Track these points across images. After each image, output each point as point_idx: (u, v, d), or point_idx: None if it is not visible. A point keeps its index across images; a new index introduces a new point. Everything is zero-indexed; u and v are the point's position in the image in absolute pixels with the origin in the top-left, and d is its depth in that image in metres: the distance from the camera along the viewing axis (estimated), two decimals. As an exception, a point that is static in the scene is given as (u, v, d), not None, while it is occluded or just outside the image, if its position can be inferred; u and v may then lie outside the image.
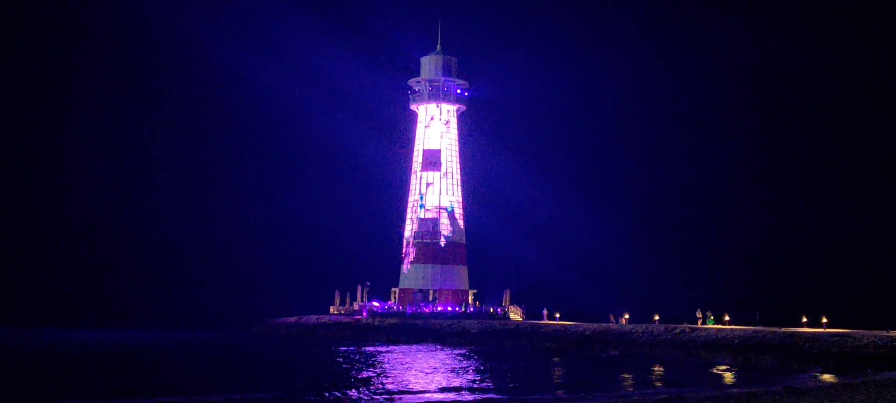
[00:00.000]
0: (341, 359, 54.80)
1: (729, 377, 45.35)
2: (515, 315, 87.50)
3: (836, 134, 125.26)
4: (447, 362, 53.29)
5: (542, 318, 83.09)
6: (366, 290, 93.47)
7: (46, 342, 70.73)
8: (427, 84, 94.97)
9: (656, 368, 50.77)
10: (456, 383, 39.84)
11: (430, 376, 43.25)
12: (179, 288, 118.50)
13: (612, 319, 74.99)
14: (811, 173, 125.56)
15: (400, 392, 34.91)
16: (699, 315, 68.95)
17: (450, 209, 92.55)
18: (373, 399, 32.39)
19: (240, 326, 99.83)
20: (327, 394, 33.65)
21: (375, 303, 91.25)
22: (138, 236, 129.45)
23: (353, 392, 34.32)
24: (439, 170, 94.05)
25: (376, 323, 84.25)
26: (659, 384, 41.25)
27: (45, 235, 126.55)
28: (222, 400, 31.32)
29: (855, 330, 52.80)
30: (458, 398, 34.37)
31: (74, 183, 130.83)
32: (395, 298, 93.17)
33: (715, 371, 48.98)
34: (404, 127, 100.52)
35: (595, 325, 69.64)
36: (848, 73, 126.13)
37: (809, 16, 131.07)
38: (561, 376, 46.32)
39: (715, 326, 63.34)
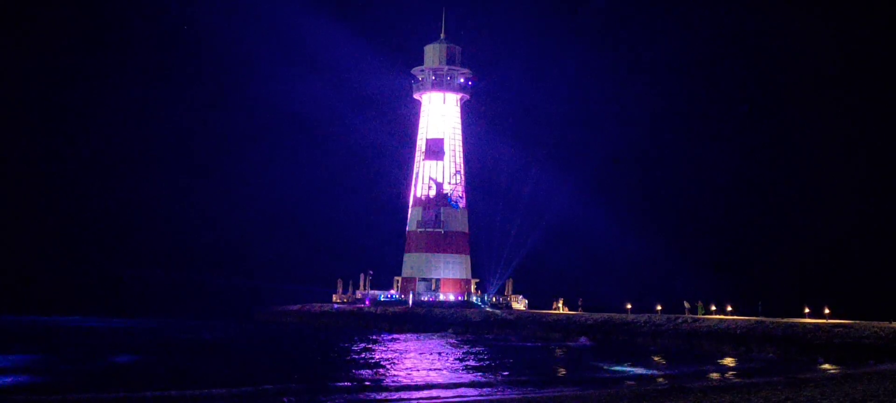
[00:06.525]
0: (345, 349, 54.88)
1: (730, 367, 45.33)
2: (518, 304, 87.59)
3: (840, 124, 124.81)
4: (449, 352, 53.33)
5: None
6: (369, 279, 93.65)
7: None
8: (431, 72, 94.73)
9: (658, 358, 50.79)
10: (458, 375, 39.85)
11: (432, 366, 43.29)
12: (179, 275, 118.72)
13: (555, 306, 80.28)
14: (815, 164, 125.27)
15: (404, 387, 34.86)
16: (687, 305, 69.16)
17: (450, 192, 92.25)
18: (377, 394, 32.33)
19: (243, 314, 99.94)
20: (330, 384, 33.66)
21: (377, 292, 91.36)
22: (139, 224, 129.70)
23: (356, 387, 34.27)
24: (442, 159, 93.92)
25: (379, 311, 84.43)
26: (660, 376, 41.20)
27: (49, 223, 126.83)
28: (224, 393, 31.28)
29: (858, 321, 52.77)
30: (462, 391, 34.33)
31: (78, 170, 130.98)
32: (397, 287, 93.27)
33: (717, 361, 48.98)
34: (408, 115, 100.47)
35: (598, 315, 69.71)
36: (851, 64, 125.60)
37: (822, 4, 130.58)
38: (563, 366, 46.35)
39: (717, 317, 63.33)
